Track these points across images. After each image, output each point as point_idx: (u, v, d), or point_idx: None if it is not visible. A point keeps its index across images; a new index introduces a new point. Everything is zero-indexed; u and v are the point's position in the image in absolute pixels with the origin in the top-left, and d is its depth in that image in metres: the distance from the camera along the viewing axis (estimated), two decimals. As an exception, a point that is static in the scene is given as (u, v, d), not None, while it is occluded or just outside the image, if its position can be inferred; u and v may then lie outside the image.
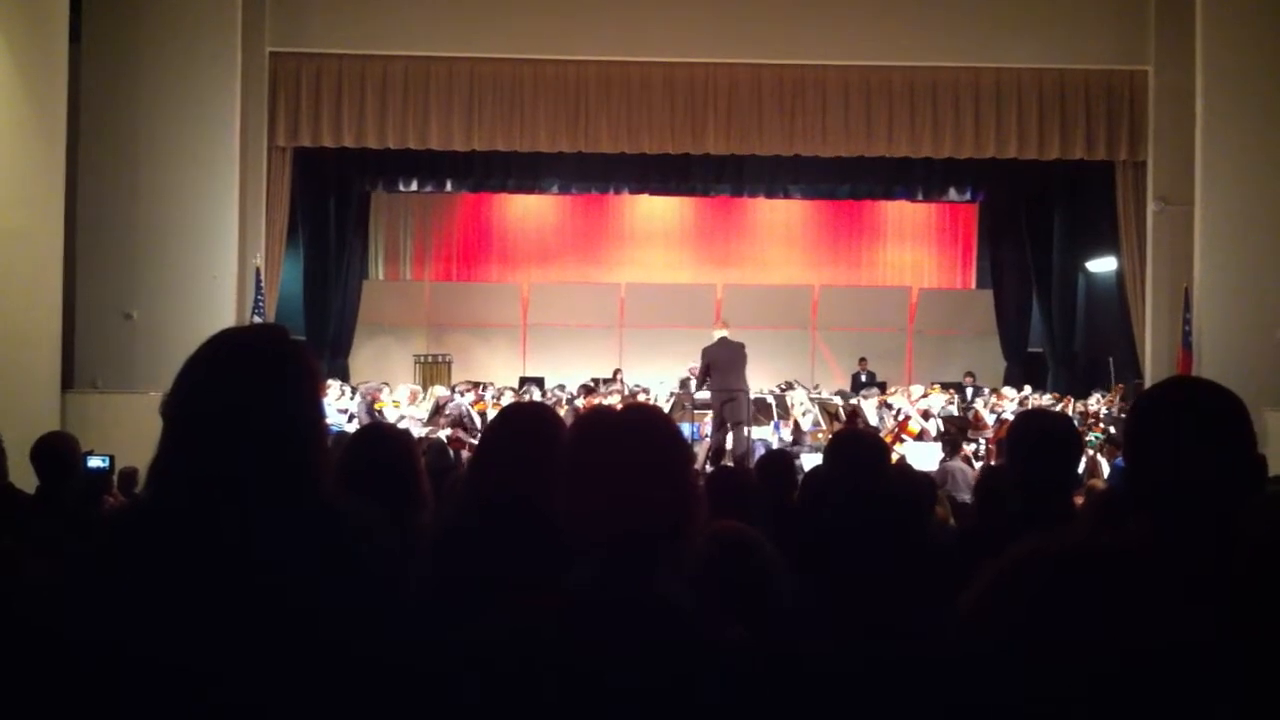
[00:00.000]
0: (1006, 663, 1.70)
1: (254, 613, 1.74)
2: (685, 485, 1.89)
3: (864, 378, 18.49)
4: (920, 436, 13.55)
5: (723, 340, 12.63)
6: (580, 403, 14.74)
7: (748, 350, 12.68)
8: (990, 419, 14.42)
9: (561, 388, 16.85)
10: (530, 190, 20.27)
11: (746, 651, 1.80)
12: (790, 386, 15.67)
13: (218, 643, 1.73)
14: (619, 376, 17.72)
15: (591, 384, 16.73)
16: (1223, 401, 1.82)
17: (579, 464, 1.89)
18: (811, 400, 14.57)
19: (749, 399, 12.86)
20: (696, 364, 13.45)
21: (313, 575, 1.78)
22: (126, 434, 10.13)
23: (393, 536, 1.91)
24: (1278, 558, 1.79)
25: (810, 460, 11.04)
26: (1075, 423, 10.24)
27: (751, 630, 1.86)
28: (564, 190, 20.21)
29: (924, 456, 12.17)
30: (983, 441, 13.58)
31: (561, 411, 13.20)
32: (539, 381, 17.44)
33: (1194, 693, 1.62)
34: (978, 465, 12.05)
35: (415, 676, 1.96)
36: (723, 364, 12.53)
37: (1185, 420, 1.80)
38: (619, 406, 2.19)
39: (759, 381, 15.00)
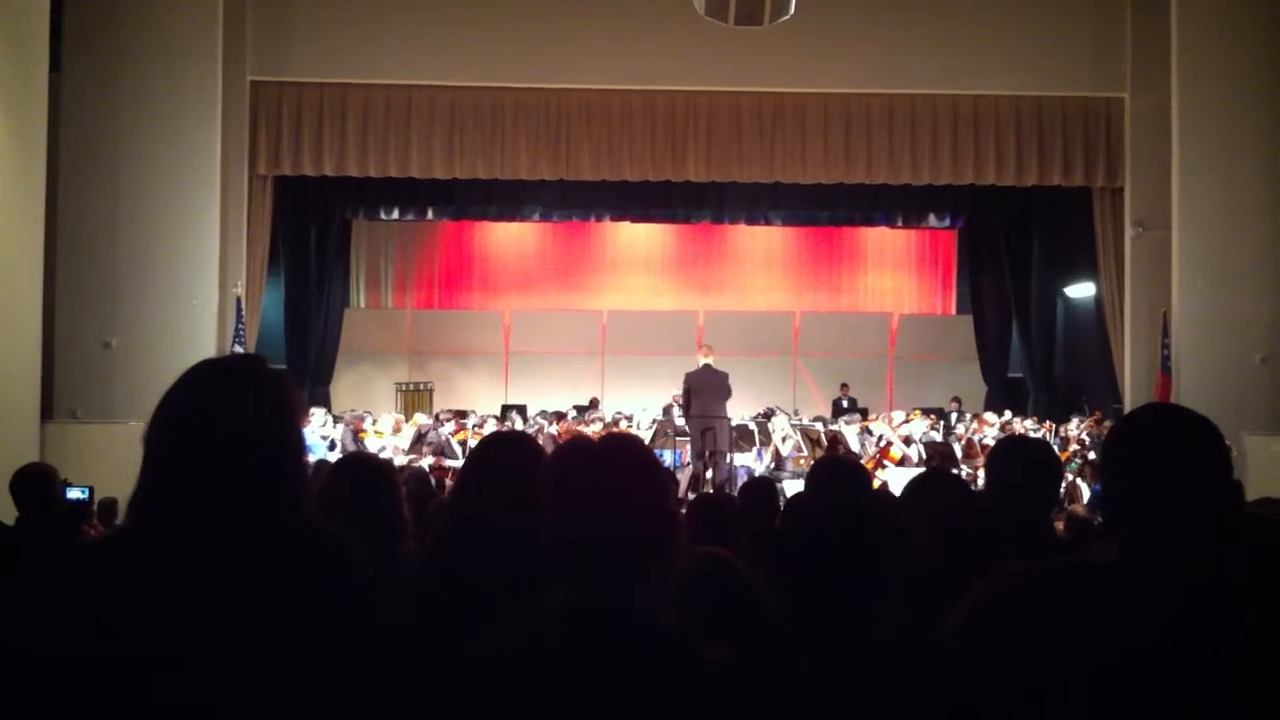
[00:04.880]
0: (993, 675, 1.72)
1: (239, 631, 1.75)
2: (662, 508, 1.92)
3: (845, 403, 18.53)
4: (902, 462, 13.57)
5: (706, 367, 12.64)
6: (553, 429, 14.69)
7: (733, 379, 12.69)
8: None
9: (544, 414, 16.84)
10: (511, 218, 20.32)
11: (730, 669, 1.81)
12: (771, 414, 15.68)
13: (204, 661, 1.74)
14: (597, 405, 17.75)
15: (558, 413, 16.67)
16: (1198, 427, 1.84)
17: (560, 487, 1.92)
18: (793, 426, 14.58)
19: (730, 427, 12.85)
20: (680, 390, 13.44)
21: (295, 594, 1.80)
22: (106, 464, 10.05)
23: (368, 557, 1.92)
24: (1270, 571, 1.81)
25: (792, 486, 11.06)
26: (1055, 448, 10.27)
27: (737, 649, 1.87)
28: (545, 218, 20.24)
29: (905, 482, 12.15)
30: (966, 470, 13.56)
31: (542, 439, 13.21)
32: (521, 409, 17.44)
33: (1170, 700, 1.63)
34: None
35: (402, 695, 1.97)
36: (704, 391, 12.52)
37: (1160, 445, 1.82)
38: (597, 435, 2.23)
39: (740, 409, 15.00)
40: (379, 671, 1.88)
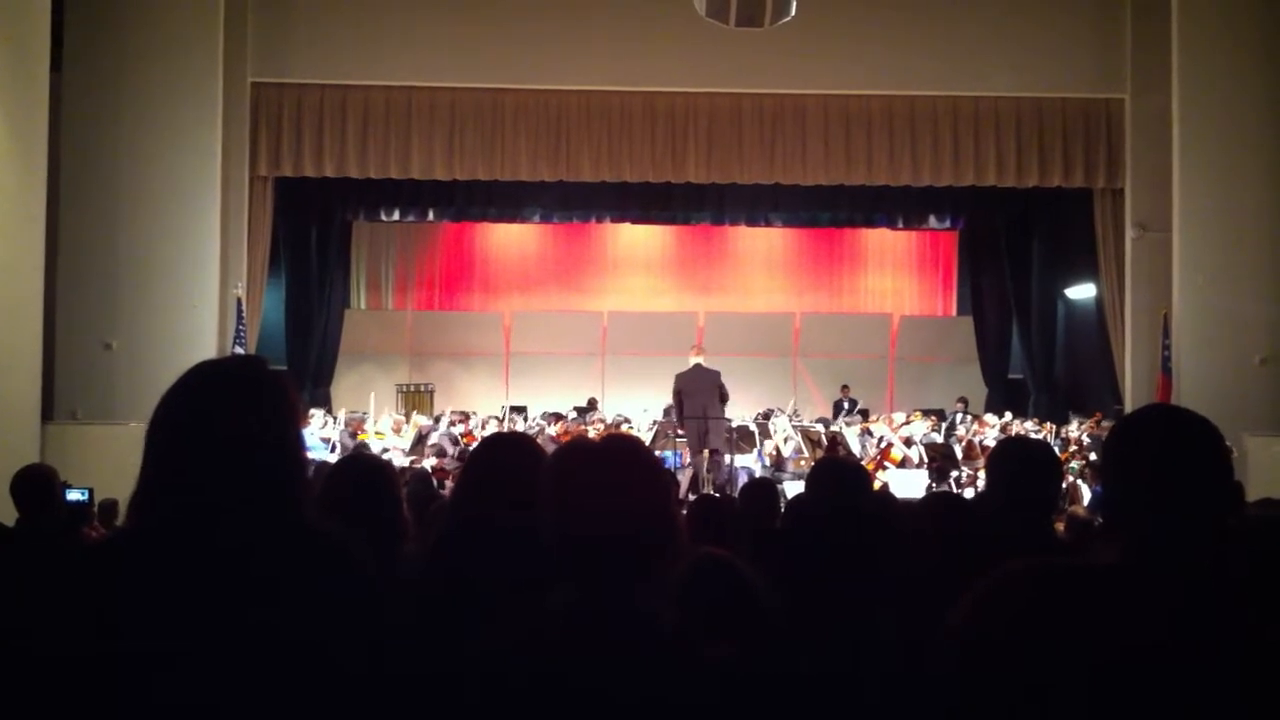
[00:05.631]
0: (994, 674, 1.72)
1: (240, 631, 1.76)
2: (664, 507, 1.93)
3: (846, 405, 18.53)
4: (903, 464, 13.55)
5: (696, 367, 12.62)
6: (552, 430, 14.68)
7: (733, 380, 12.65)
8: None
9: (545, 415, 16.83)
10: (512, 219, 20.30)
11: (731, 668, 1.81)
12: (771, 414, 15.65)
13: (205, 662, 1.74)
14: (595, 406, 17.75)
15: (555, 414, 16.66)
16: (1198, 428, 1.84)
17: (562, 485, 1.92)
18: (794, 427, 14.57)
19: (726, 426, 12.82)
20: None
21: (296, 594, 1.81)
22: (106, 466, 10.04)
23: (369, 557, 1.92)
24: (1271, 572, 1.82)
25: (793, 488, 11.04)
26: (1056, 449, 10.26)
27: (738, 648, 1.87)
28: (545, 219, 20.22)
29: (906, 484, 12.17)
30: (966, 471, 13.55)
31: (541, 440, 13.19)
32: (523, 410, 17.42)
33: (1171, 699, 1.63)
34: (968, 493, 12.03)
35: (403, 695, 1.97)
36: (695, 392, 12.50)
37: (1161, 446, 1.82)
38: (597, 436, 2.23)
39: (740, 409, 14.97)
40: (380, 671, 1.89)
